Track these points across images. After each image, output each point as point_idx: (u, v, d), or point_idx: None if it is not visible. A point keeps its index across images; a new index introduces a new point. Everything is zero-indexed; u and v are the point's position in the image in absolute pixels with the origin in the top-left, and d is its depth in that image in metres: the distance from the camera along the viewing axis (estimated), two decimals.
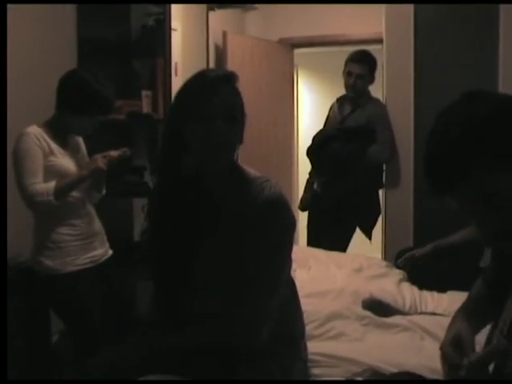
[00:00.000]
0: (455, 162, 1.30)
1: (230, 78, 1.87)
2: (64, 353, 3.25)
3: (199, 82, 1.86)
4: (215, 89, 1.82)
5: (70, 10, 4.12)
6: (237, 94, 1.87)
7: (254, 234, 1.83)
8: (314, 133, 4.65)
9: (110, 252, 3.13)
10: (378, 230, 4.70)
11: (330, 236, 4.30)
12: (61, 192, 2.76)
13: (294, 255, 3.27)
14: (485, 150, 1.28)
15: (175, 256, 1.95)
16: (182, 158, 1.87)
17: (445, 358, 1.57)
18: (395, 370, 2.01)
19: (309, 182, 4.74)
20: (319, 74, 7.74)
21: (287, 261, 1.95)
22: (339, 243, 4.28)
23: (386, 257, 4.54)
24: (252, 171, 1.98)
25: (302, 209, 4.77)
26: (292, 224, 1.91)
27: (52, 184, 2.74)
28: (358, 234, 4.58)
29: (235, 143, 1.88)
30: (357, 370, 2.05)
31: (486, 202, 1.32)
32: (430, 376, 1.99)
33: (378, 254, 4.82)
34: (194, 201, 1.91)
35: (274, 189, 1.88)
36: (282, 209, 1.87)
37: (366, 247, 4.64)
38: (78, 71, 3.00)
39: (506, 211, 1.32)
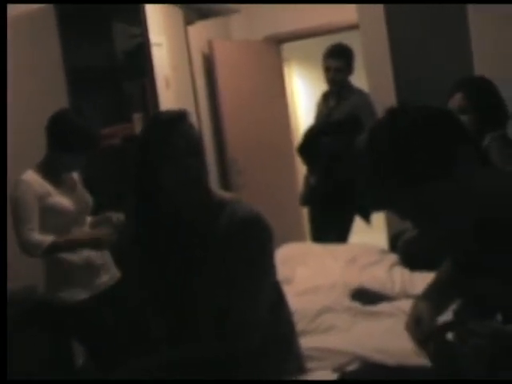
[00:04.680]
0: (380, 182, 1.43)
1: (183, 116, 2.04)
2: (90, 374, 3.44)
3: (156, 126, 2.03)
4: (173, 129, 1.99)
5: (53, 40, 4.28)
6: (193, 129, 2.05)
7: (235, 252, 2.01)
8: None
9: (118, 274, 3.30)
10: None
11: (331, 227, 4.45)
12: (53, 251, 2.91)
13: (292, 252, 3.46)
14: (406, 164, 1.38)
15: (168, 280, 2.15)
16: (156, 197, 2.05)
17: (410, 336, 1.74)
18: (381, 357, 2.17)
19: (306, 177, 4.89)
20: (313, 66, 7.79)
21: (269, 269, 2.13)
22: (340, 234, 4.44)
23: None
24: (225, 194, 2.17)
25: (302, 204, 4.94)
26: (268, 236, 2.08)
27: (48, 239, 2.87)
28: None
29: (203, 174, 2.06)
30: (345, 360, 2.22)
31: (418, 212, 1.44)
32: (412, 357, 2.14)
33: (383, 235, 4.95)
34: (176, 232, 2.10)
35: (245, 207, 2.06)
36: (256, 224, 2.05)
37: (371, 231, 4.78)
38: (63, 110, 3.13)
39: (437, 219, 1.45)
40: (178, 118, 2.03)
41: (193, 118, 2.09)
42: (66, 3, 4.08)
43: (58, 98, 4.14)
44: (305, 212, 5.41)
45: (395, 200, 1.43)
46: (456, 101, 2.89)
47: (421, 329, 1.68)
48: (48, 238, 2.88)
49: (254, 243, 2.03)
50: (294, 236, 5.24)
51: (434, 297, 1.83)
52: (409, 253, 3.32)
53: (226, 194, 2.17)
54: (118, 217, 3.01)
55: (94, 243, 3.01)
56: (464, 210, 1.42)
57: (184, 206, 2.08)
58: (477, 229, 1.42)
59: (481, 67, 4.13)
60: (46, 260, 3.06)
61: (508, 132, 2.92)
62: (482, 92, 2.93)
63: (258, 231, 2.05)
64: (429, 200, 1.40)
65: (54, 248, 2.90)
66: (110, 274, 3.24)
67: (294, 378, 2.13)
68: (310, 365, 2.25)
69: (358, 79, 4.82)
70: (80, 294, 3.05)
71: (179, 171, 1.98)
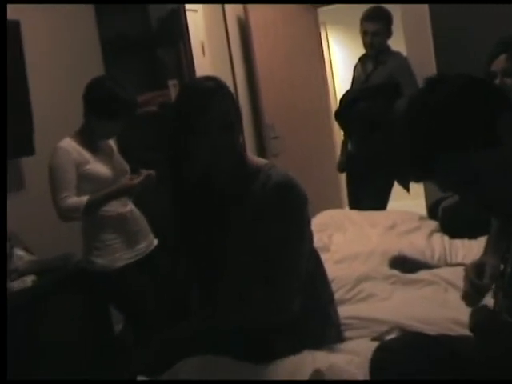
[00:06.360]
0: (422, 153, 1.39)
1: (218, 87, 1.99)
2: (129, 339, 3.48)
3: (189, 98, 1.99)
4: (206, 101, 1.94)
5: (88, 11, 4.29)
6: (227, 99, 2.00)
7: (270, 217, 1.99)
8: None
9: (156, 241, 3.32)
10: None
11: (369, 194, 4.40)
12: (91, 208, 2.93)
13: (330, 219, 3.43)
14: (447, 134, 1.36)
15: (204, 248, 2.15)
16: (190, 165, 2.04)
17: (466, 275, 1.77)
18: (420, 325, 2.14)
19: (344, 143, 4.83)
20: (349, 30, 7.67)
21: (305, 235, 2.10)
22: (378, 200, 4.38)
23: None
24: (260, 161, 2.14)
25: (340, 170, 4.88)
26: (302, 201, 2.05)
27: (83, 199, 2.90)
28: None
29: (236, 144, 2.03)
30: (384, 329, 2.19)
31: (462, 182, 1.41)
32: (453, 327, 2.11)
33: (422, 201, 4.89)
34: (211, 199, 2.10)
35: (279, 173, 2.04)
36: (290, 189, 2.02)
37: (410, 198, 4.71)
38: (99, 78, 3.12)
39: (481, 187, 1.41)
40: (212, 89, 1.98)
41: (228, 84, 2.05)
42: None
43: (94, 67, 4.15)
44: (343, 178, 5.35)
45: (435, 172, 1.40)
46: (500, 63, 2.78)
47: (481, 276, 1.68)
48: (83, 198, 2.91)
49: (289, 207, 2.00)
50: (332, 203, 5.20)
51: (496, 246, 1.85)
52: (449, 220, 3.26)
53: (260, 160, 2.15)
54: (150, 172, 3.01)
55: (126, 189, 3.02)
56: (508, 176, 1.38)
57: (218, 175, 2.07)
58: None
59: None
60: (84, 227, 3.09)
61: None
62: None
63: (292, 195, 2.02)
64: (470, 170, 1.37)
65: (90, 206, 2.92)
66: (147, 241, 3.25)
67: (332, 346, 2.11)
68: (348, 333, 2.24)
69: (396, 43, 4.70)
70: (119, 261, 3.07)
71: (212, 144, 1.95)
